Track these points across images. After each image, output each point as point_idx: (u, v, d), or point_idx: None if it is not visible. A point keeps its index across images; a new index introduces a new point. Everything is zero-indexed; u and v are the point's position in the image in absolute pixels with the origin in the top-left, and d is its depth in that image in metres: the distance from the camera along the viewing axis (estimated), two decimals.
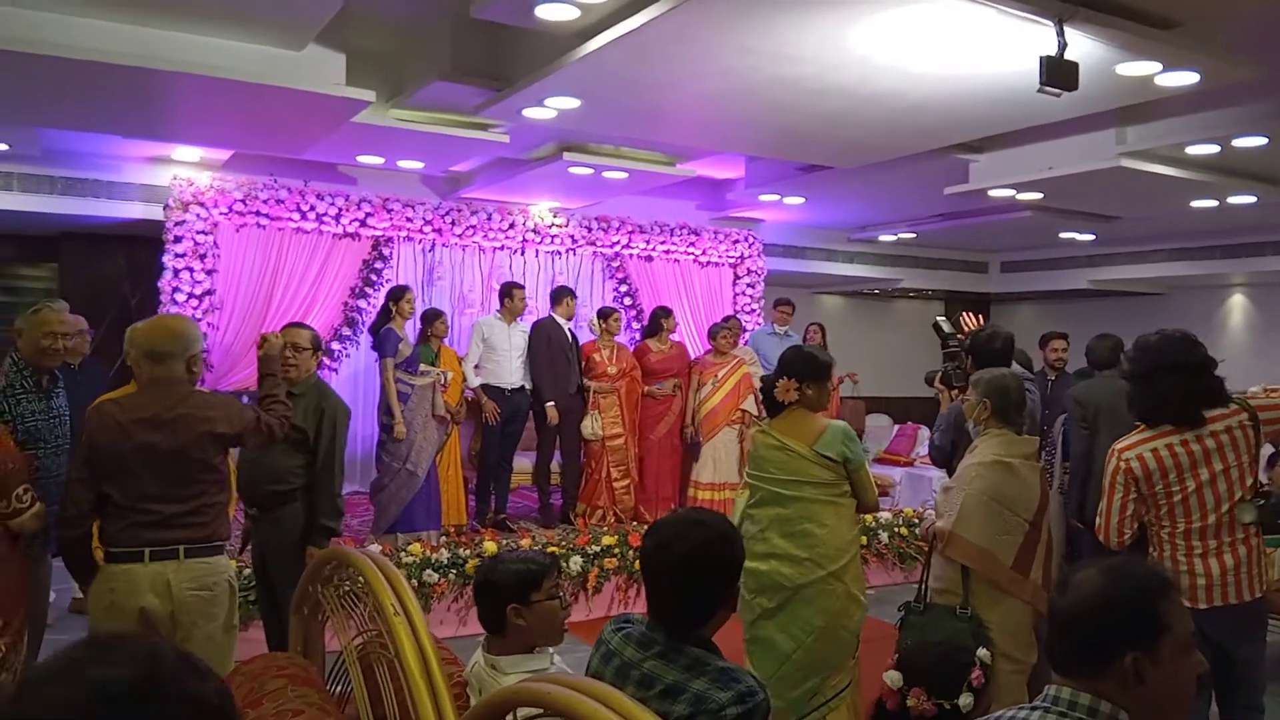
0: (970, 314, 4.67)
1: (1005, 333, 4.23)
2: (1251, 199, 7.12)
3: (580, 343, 7.02)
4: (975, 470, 3.39)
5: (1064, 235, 9.62)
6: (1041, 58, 3.74)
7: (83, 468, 2.98)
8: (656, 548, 1.89)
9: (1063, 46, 3.74)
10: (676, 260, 9.18)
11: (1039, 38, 3.81)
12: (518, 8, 4.04)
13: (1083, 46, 3.88)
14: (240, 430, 3.12)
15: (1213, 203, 7.34)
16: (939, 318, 4.87)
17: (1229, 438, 3.00)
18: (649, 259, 9.05)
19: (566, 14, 4.07)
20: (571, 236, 8.60)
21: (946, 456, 4.17)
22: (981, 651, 2.65)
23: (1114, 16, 3.81)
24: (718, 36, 4.04)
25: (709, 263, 9.34)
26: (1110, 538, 3.13)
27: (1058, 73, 3.74)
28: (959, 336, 4.40)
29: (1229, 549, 2.99)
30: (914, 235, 9.96)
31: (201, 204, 7.10)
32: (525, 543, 5.82)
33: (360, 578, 2.46)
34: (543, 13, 4.06)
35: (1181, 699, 1.48)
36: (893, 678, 2.39)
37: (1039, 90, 3.79)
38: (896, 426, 10.28)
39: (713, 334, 7.21)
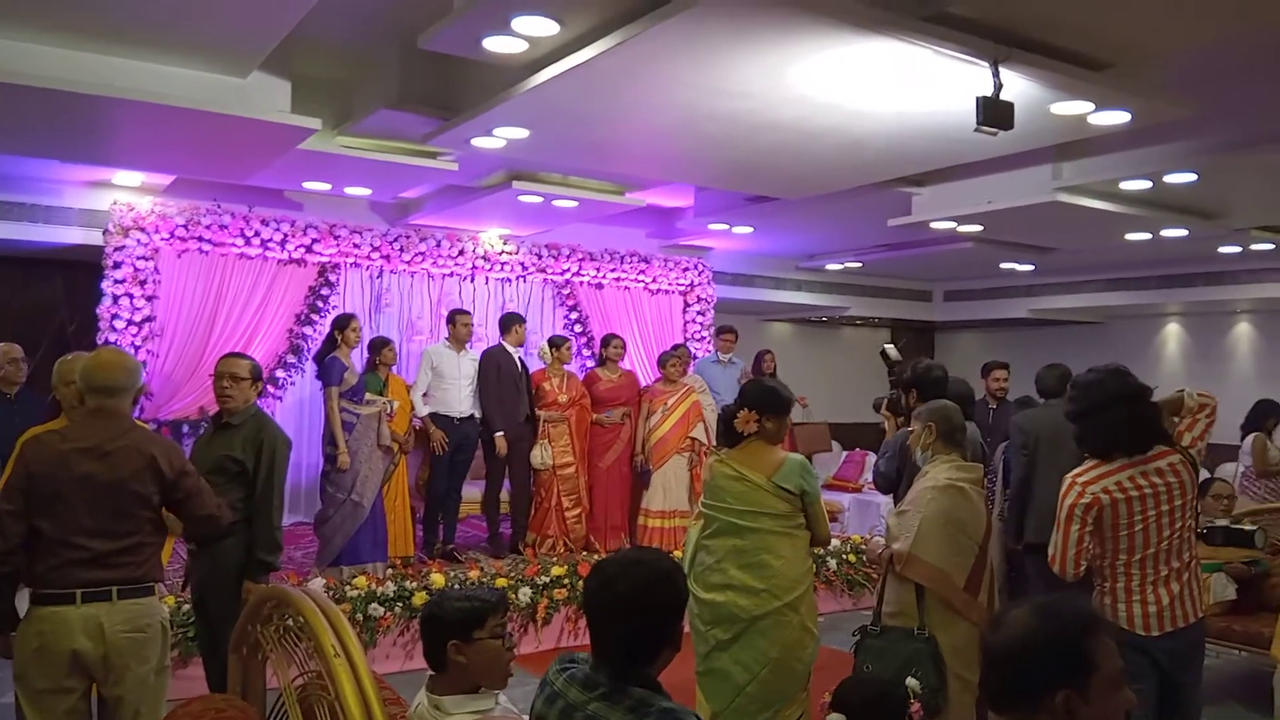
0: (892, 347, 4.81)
1: (940, 364, 4.33)
2: (1184, 232, 7.36)
3: (530, 371, 7.00)
4: (930, 494, 3.45)
5: (1004, 265, 9.85)
6: (978, 98, 3.84)
7: (16, 498, 2.88)
8: (599, 587, 1.89)
9: (998, 87, 3.86)
10: (627, 288, 9.22)
11: (975, 78, 3.92)
12: (465, 40, 4.05)
13: (1018, 86, 4.00)
14: (178, 475, 3.05)
15: (1146, 236, 7.57)
16: (886, 345, 4.98)
17: (1174, 475, 3.09)
18: (599, 286, 9.08)
19: (514, 47, 4.09)
20: (522, 264, 8.60)
21: (891, 483, 4.24)
22: (911, 682, 2.70)
23: (1048, 58, 3.94)
24: (662, 71, 4.09)
25: (659, 290, 9.40)
26: (1066, 569, 3.15)
27: (994, 112, 3.85)
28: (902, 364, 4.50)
29: (1175, 576, 3.07)
30: (860, 264, 10.12)
31: (142, 229, 6.98)
32: (474, 574, 5.76)
33: (300, 617, 2.43)
34: (491, 45, 4.08)
35: None
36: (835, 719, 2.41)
37: (976, 129, 3.89)
38: (844, 453, 10.39)
39: (662, 362, 7.24)
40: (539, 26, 3.86)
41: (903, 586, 3.45)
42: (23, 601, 2.97)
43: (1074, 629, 1.50)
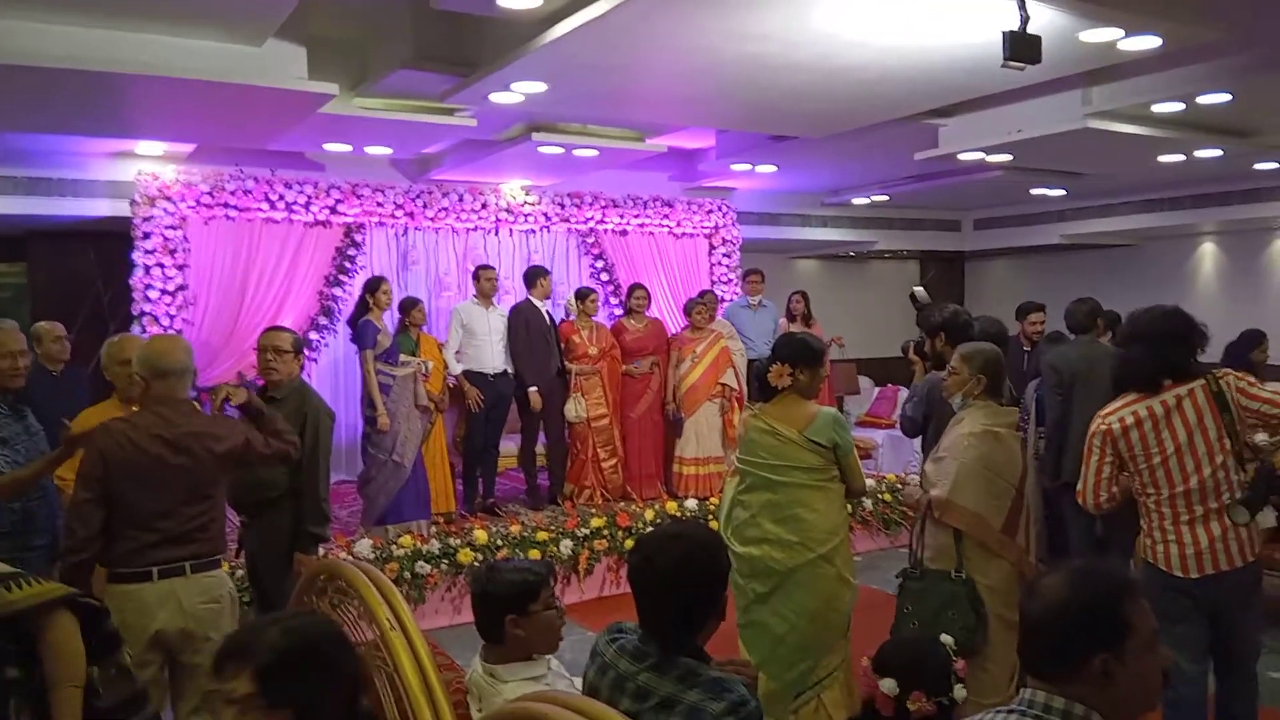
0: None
1: (966, 310, 4.39)
2: (1218, 152, 7.18)
3: (558, 323, 7.02)
4: (967, 440, 3.47)
5: (1035, 192, 9.67)
6: (1005, 33, 3.74)
7: (94, 486, 2.97)
8: (641, 563, 1.94)
9: (1025, 20, 3.75)
10: (651, 233, 9.17)
11: (1002, 9, 3.82)
12: None
13: (1045, 16, 3.90)
14: (241, 443, 3.15)
15: (1180, 157, 7.40)
16: (916, 287, 4.95)
17: (1190, 399, 3.07)
18: (623, 233, 9.04)
19: (529, 3, 4.04)
20: (545, 214, 8.57)
21: (918, 427, 4.27)
22: (945, 639, 2.76)
23: None
24: (681, 18, 4.03)
25: (684, 234, 9.34)
26: (1088, 499, 3.23)
27: (1021, 47, 3.75)
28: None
29: (1215, 516, 3.05)
30: (887, 198, 9.98)
31: (168, 198, 7.02)
32: (514, 529, 5.86)
33: (353, 588, 2.50)
34: (505, 2, 4.03)
35: (1150, 695, 1.54)
36: (888, 685, 2.47)
37: (1003, 65, 3.80)
38: (876, 389, 10.37)
39: (688, 309, 7.23)
40: None
41: (940, 531, 3.49)
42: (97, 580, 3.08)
43: (1108, 594, 1.52)
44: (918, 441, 4.64)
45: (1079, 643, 1.49)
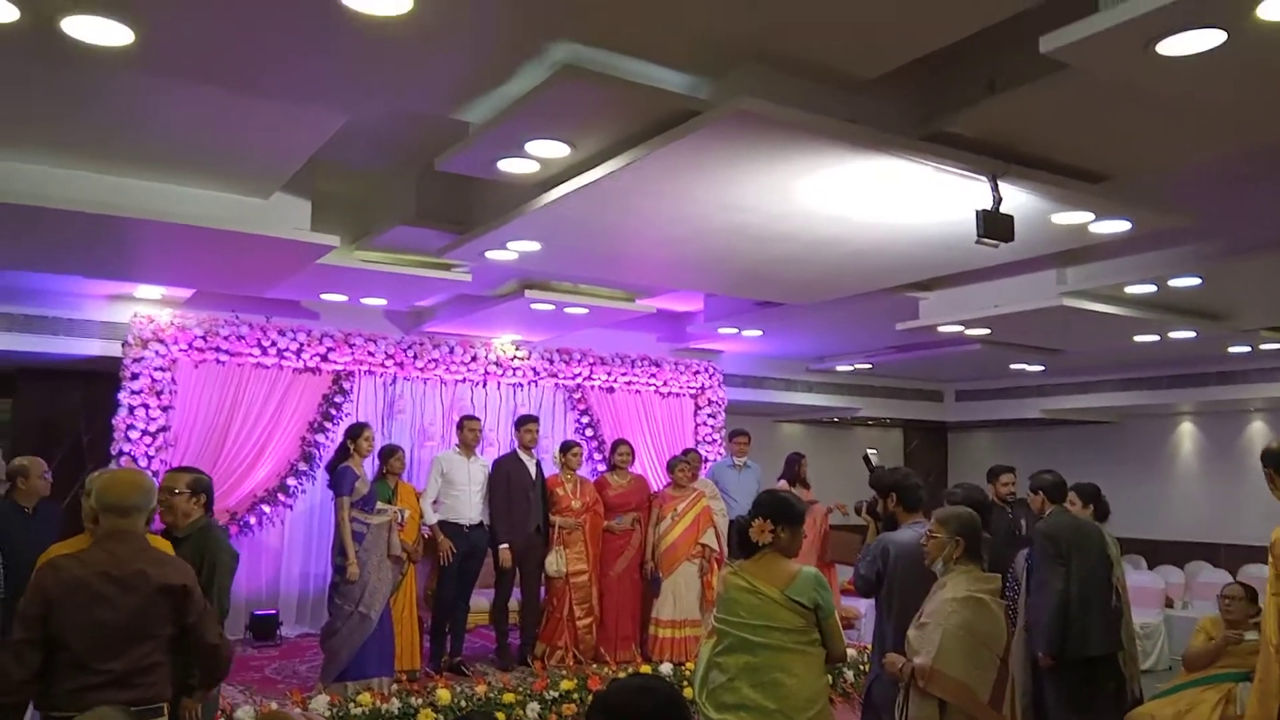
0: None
1: (915, 472, 4.50)
2: (1191, 334, 7.38)
3: (546, 476, 6.98)
4: (951, 606, 3.42)
5: (1014, 367, 9.87)
6: (978, 211, 3.93)
7: (34, 626, 2.85)
8: (607, 719, 1.86)
9: (998, 201, 3.95)
10: (638, 391, 9.26)
11: (976, 191, 4.01)
12: (481, 163, 4.20)
13: (1018, 198, 4.09)
14: (190, 596, 3.06)
15: (1155, 338, 7.60)
16: (869, 450, 5.06)
17: None
18: (610, 390, 9.13)
19: (527, 168, 4.24)
20: (533, 369, 8.68)
21: (871, 587, 4.22)
22: None
23: (1046, 172, 4.03)
24: (670, 188, 4.21)
25: (670, 393, 9.44)
26: None
27: (994, 225, 3.92)
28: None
29: None
30: (870, 366, 10.16)
31: (161, 340, 7.09)
32: (480, 689, 5.64)
33: None
34: (505, 166, 4.22)
35: None
36: None
37: (977, 242, 3.96)
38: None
39: (671, 467, 7.22)
40: (551, 149, 4.01)
41: (925, 701, 3.38)
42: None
43: None
44: (867, 607, 4.60)
45: None
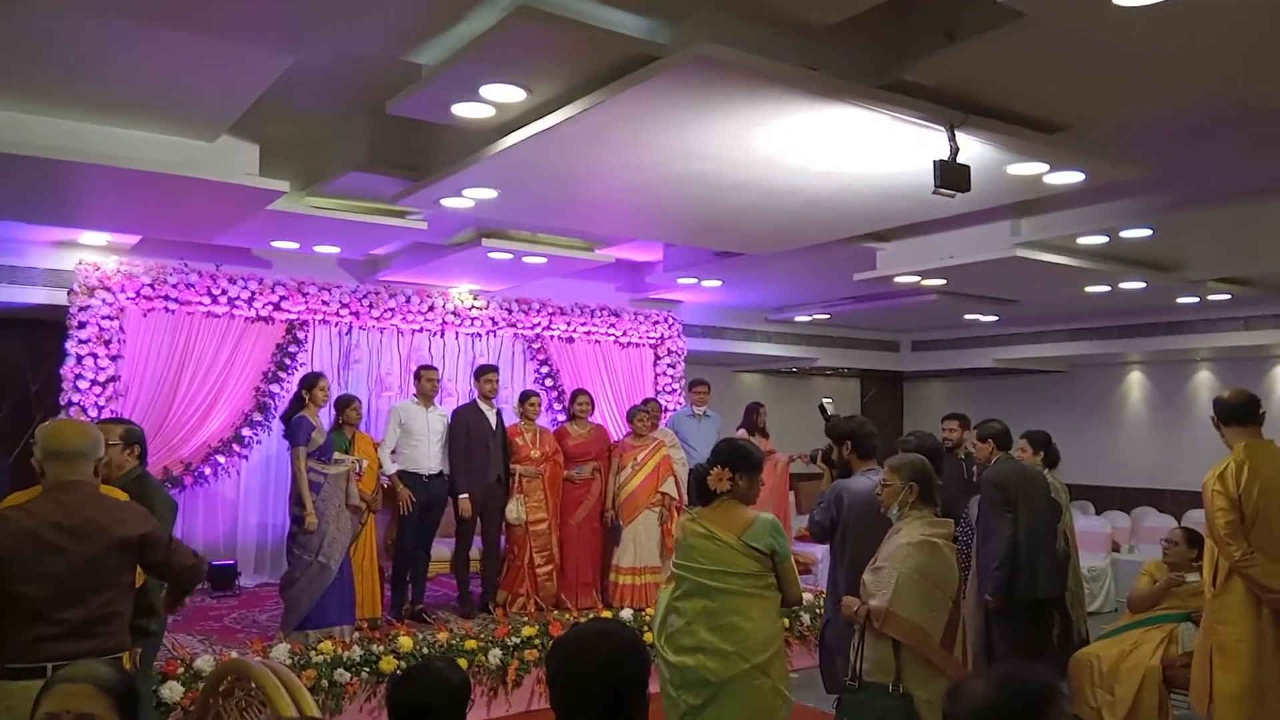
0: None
1: (869, 420, 4.62)
2: (1141, 285, 7.52)
3: (507, 425, 6.97)
4: (906, 550, 3.49)
5: (968, 317, 10.00)
6: (935, 162, 3.93)
7: None
8: (566, 663, 1.88)
9: (955, 151, 3.95)
10: (597, 341, 9.25)
11: (933, 141, 4.02)
12: (434, 107, 4.11)
13: (974, 149, 4.11)
14: (149, 539, 3.02)
15: (1105, 288, 7.73)
16: (824, 399, 5.14)
17: None
18: (570, 340, 9.11)
19: (482, 113, 4.15)
20: (492, 319, 8.62)
21: (826, 533, 4.31)
22: None
23: (1003, 123, 4.05)
24: (629, 135, 4.16)
25: (629, 343, 9.44)
26: None
27: (951, 176, 3.94)
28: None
29: None
30: (828, 316, 10.24)
31: (108, 289, 6.92)
32: (442, 636, 5.68)
33: (260, 688, 2.39)
34: (459, 111, 4.14)
35: None
36: None
37: (934, 192, 3.98)
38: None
39: (631, 417, 7.25)
40: (507, 94, 3.93)
41: (880, 642, 3.47)
42: None
43: (1031, 699, 1.52)
44: (822, 553, 4.69)
45: None
